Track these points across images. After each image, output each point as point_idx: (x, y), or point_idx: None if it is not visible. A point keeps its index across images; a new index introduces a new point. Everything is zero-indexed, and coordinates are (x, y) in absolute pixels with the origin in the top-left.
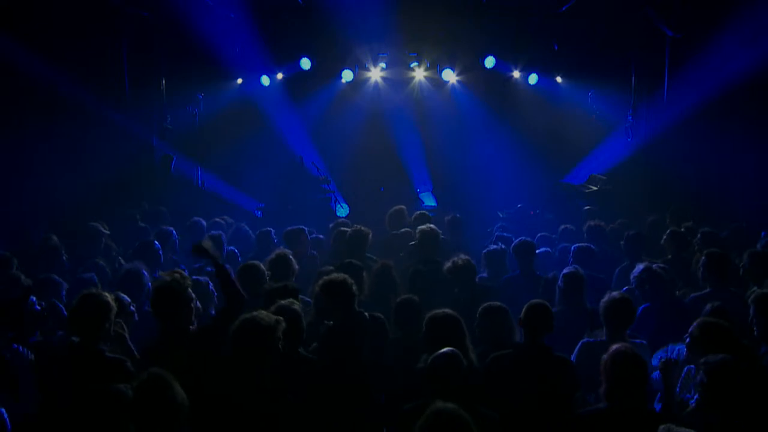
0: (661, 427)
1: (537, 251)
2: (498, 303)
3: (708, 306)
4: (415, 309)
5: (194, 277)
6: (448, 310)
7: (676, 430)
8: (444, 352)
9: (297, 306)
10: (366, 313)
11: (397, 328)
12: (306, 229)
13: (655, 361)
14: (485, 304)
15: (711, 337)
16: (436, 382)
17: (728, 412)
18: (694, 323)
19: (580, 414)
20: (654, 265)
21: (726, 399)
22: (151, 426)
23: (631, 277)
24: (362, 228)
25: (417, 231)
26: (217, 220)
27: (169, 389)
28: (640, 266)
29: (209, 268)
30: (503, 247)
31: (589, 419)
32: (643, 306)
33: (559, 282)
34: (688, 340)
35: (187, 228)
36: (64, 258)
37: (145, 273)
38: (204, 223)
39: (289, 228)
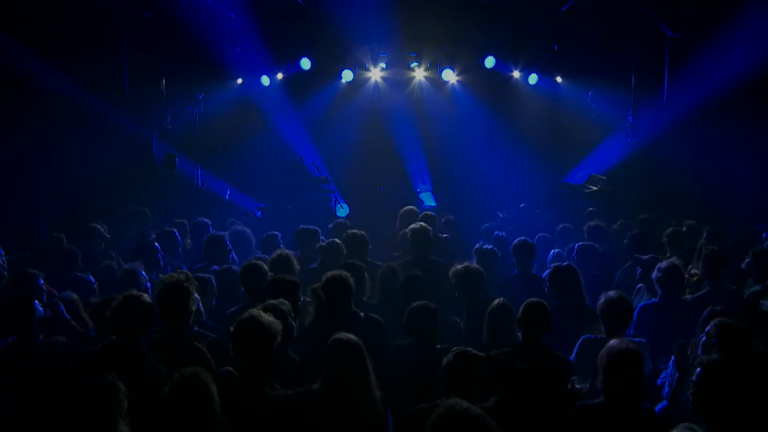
0: (683, 424)
1: (549, 256)
2: (504, 301)
3: (708, 309)
4: (430, 316)
5: (198, 274)
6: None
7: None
8: (460, 352)
9: (286, 306)
10: (362, 314)
11: (408, 334)
12: (318, 229)
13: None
14: (493, 304)
15: (728, 337)
16: (452, 381)
17: (713, 415)
18: (711, 323)
19: (578, 407)
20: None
21: (714, 401)
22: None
23: (655, 270)
24: (357, 231)
25: (408, 230)
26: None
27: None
28: (664, 262)
29: (213, 267)
30: (494, 247)
31: (586, 412)
32: (646, 303)
33: (548, 277)
34: (703, 339)
35: (192, 228)
36: (79, 259)
37: (144, 274)
38: (208, 221)
39: (302, 227)
